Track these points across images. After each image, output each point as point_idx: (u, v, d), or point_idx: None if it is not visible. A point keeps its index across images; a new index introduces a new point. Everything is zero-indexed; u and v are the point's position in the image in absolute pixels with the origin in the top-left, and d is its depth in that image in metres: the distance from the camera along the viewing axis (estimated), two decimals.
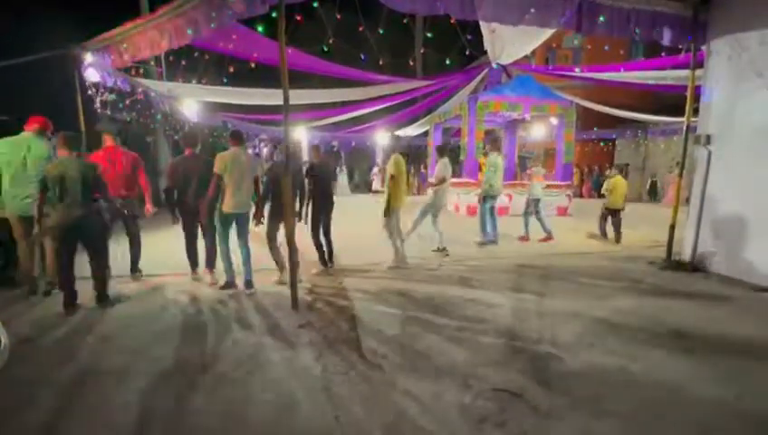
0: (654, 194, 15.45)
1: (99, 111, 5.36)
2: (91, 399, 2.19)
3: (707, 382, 2.33)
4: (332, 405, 2.11)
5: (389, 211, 4.73)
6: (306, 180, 4.54)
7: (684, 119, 5.07)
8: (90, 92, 5.04)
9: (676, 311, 3.50)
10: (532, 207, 6.71)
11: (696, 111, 5.03)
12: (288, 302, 3.55)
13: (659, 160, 15.50)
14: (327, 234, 4.76)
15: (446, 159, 5.58)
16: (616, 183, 6.59)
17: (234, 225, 4.01)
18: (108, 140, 4.31)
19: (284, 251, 3.77)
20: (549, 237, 6.63)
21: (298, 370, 2.48)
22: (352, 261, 5.17)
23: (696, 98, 5.02)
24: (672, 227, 5.04)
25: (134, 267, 4.46)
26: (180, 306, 3.63)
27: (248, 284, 4.01)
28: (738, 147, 4.51)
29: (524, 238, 6.66)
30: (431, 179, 6.28)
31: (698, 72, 4.97)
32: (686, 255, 5.00)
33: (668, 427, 1.95)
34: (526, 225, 6.72)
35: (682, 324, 3.17)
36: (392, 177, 4.70)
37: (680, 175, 5.17)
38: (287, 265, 3.64)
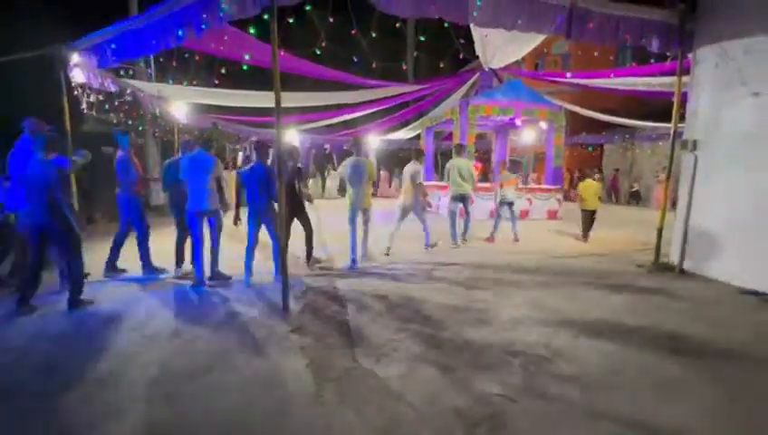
0: (637, 198, 15.80)
1: (85, 112, 5.26)
2: (77, 406, 2.13)
3: (700, 386, 2.35)
4: (325, 411, 2.08)
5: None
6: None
7: (671, 124, 5.16)
8: (76, 93, 4.94)
9: (666, 314, 3.54)
10: (503, 210, 6.97)
11: (682, 117, 5.13)
12: (279, 305, 3.51)
13: (645, 165, 15.81)
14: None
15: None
16: (585, 187, 7.01)
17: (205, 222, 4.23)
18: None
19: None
20: (491, 239, 6.82)
21: (290, 375, 2.44)
22: (345, 263, 5.13)
23: (683, 104, 5.12)
24: (660, 231, 5.12)
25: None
26: (169, 310, 3.55)
27: (212, 275, 4.31)
28: (723, 152, 4.60)
29: (490, 239, 6.83)
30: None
31: (685, 78, 5.07)
32: (674, 258, 5.08)
33: (665, 430, 1.96)
34: (495, 226, 6.92)
35: (673, 327, 3.21)
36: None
37: (667, 179, 5.26)
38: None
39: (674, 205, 5.28)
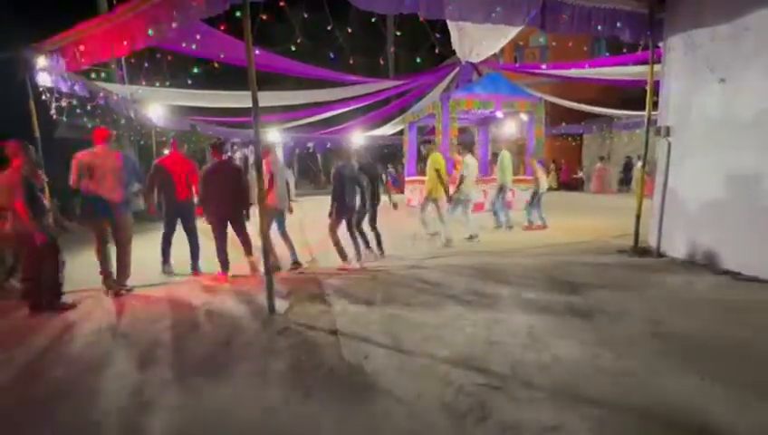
0: (582, 184, 17.41)
1: (55, 117, 5.08)
2: (64, 418, 2.07)
3: (676, 368, 2.41)
4: (314, 412, 2.07)
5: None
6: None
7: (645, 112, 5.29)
8: (44, 98, 4.76)
9: (648, 298, 3.64)
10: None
11: (656, 105, 5.26)
12: (265, 307, 3.47)
13: (621, 152, 16.55)
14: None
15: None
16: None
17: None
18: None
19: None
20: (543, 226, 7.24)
21: (277, 377, 2.42)
22: (331, 263, 5.10)
23: (656, 92, 5.25)
24: (638, 217, 5.25)
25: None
26: (153, 315, 3.48)
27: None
28: (695, 137, 4.74)
29: (540, 227, 7.21)
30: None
31: (657, 67, 5.19)
32: (652, 241, 5.23)
33: (643, 412, 2.01)
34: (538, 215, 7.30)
35: (648, 310, 3.30)
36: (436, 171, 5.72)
37: (643, 167, 5.39)
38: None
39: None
